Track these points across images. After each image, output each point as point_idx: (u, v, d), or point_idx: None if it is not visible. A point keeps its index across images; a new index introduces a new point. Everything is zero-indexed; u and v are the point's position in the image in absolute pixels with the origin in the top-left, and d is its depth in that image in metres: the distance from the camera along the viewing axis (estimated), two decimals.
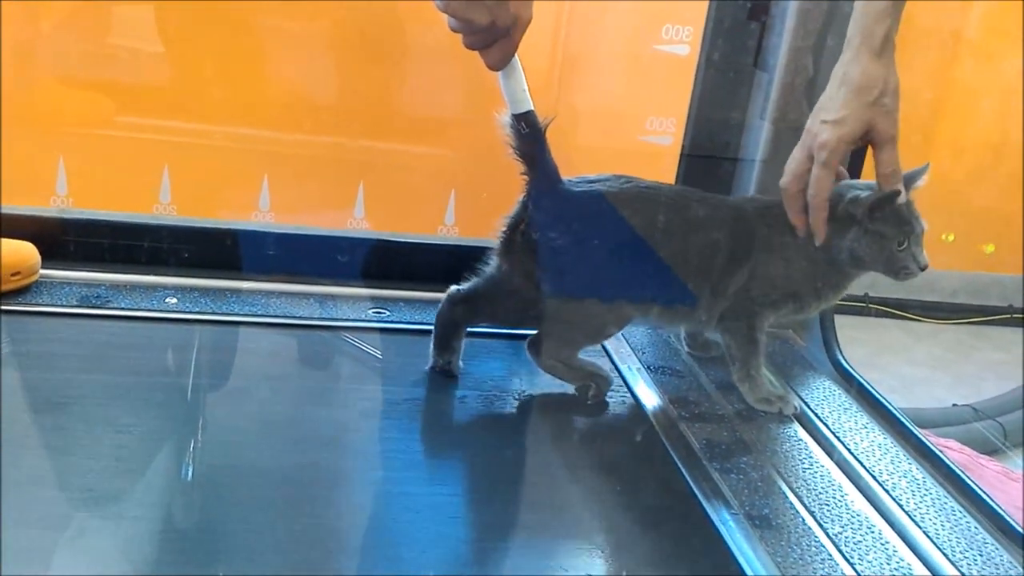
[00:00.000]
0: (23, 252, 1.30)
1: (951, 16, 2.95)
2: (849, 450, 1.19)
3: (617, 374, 1.31)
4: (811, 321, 1.44)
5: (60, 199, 1.60)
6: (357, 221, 1.68)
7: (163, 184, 1.62)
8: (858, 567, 0.98)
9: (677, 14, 1.67)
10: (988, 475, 1.77)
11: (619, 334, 1.38)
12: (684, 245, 1.20)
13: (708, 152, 1.58)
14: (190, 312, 1.31)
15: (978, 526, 1.07)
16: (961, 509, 1.10)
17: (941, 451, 1.21)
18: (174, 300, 1.33)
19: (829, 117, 1.16)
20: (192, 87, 1.68)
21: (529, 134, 1.11)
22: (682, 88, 1.58)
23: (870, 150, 1.18)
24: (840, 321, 1.47)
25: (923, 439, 1.23)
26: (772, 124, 1.50)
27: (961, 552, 1.02)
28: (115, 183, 1.64)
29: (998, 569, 1.00)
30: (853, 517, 1.06)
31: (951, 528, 1.06)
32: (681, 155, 1.58)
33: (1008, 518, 1.08)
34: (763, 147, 1.52)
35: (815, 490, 1.10)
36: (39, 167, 1.61)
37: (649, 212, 1.19)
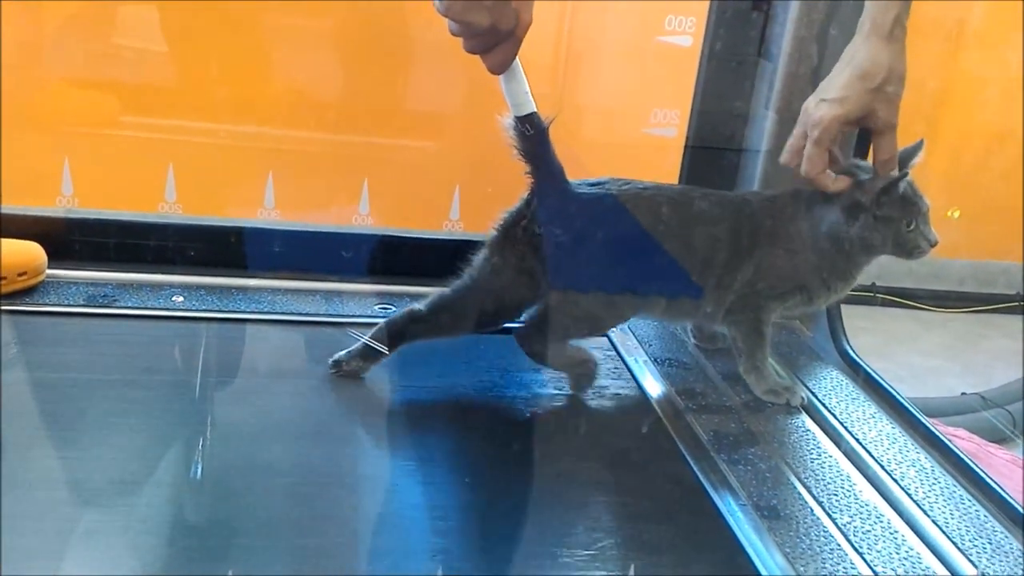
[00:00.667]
0: (30, 252, 1.30)
1: (957, 6, 2.94)
2: (857, 440, 1.19)
3: (624, 366, 1.31)
4: (817, 311, 1.44)
5: (66, 199, 1.61)
6: (362, 217, 1.69)
7: (168, 183, 1.63)
8: (867, 557, 0.97)
9: (679, 5, 1.66)
10: (997, 463, 1.76)
11: (625, 327, 1.38)
12: (688, 240, 1.20)
13: (712, 143, 1.57)
14: (197, 310, 1.31)
15: (987, 514, 1.07)
16: (970, 497, 1.10)
17: (949, 439, 1.20)
18: (181, 298, 1.33)
19: (828, 96, 1.16)
20: (196, 86, 1.68)
21: (533, 136, 1.11)
22: (686, 79, 1.57)
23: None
24: (848, 311, 1.46)
25: (931, 428, 1.23)
26: (777, 114, 1.49)
27: (970, 540, 1.02)
28: (120, 182, 1.65)
29: (1007, 557, 1.00)
30: (862, 507, 1.06)
31: (960, 517, 1.06)
32: (685, 147, 1.57)
33: (1017, 506, 1.08)
34: (768, 137, 1.51)
35: (823, 480, 1.10)
36: (44, 167, 1.61)
37: (652, 209, 1.19)
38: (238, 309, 1.33)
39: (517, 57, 1.05)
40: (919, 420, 1.25)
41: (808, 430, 1.21)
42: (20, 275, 1.28)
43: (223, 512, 0.95)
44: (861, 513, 1.05)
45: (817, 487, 1.09)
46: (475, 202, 1.70)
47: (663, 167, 1.57)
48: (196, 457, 1.01)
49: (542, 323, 1.20)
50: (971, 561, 0.99)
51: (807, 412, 1.24)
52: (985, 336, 3.29)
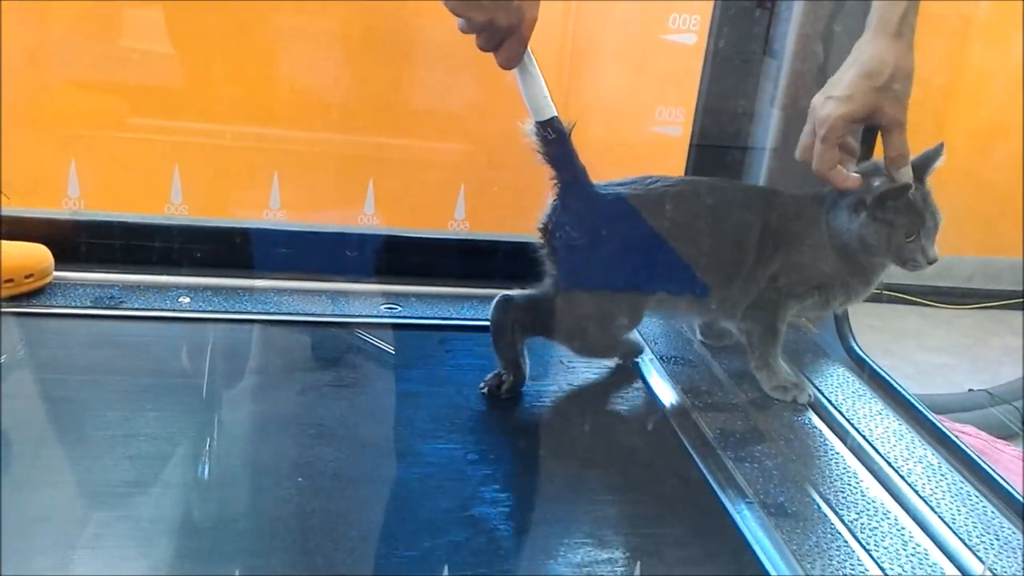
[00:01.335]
0: (37, 255, 1.31)
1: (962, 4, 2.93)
2: (864, 437, 1.19)
3: (630, 364, 1.31)
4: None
5: (72, 201, 1.61)
6: (368, 217, 1.69)
7: (174, 184, 1.63)
8: (874, 554, 0.97)
9: (684, 3, 1.66)
10: (1004, 459, 1.76)
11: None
12: (724, 231, 1.20)
13: (718, 141, 1.57)
14: (203, 311, 1.31)
15: (994, 510, 1.07)
16: (977, 494, 1.10)
17: (956, 436, 1.20)
18: (187, 299, 1.34)
19: (834, 94, 1.16)
20: (202, 88, 1.68)
21: (556, 140, 1.11)
22: (691, 77, 1.57)
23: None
24: (855, 308, 1.46)
25: (937, 424, 1.23)
26: (782, 111, 1.49)
27: (978, 537, 1.02)
28: (127, 184, 1.65)
29: (1015, 553, 1.00)
30: (868, 504, 1.06)
31: (967, 513, 1.06)
32: (691, 145, 1.57)
33: None
34: (773, 135, 1.51)
35: (830, 477, 1.10)
36: (51, 170, 1.62)
37: (684, 204, 1.19)
38: (244, 310, 1.33)
39: (535, 61, 1.06)
40: (926, 417, 1.24)
41: (815, 427, 1.21)
42: (27, 278, 1.28)
43: (230, 512, 0.95)
44: (868, 510, 1.05)
45: (824, 484, 1.09)
46: (480, 201, 1.70)
47: (668, 165, 1.58)
48: (203, 457, 1.02)
49: (533, 306, 1.20)
50: (978, 557, 0.99)
51: (814, 409, 1.24)
52: (993, 332, 3.28)
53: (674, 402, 1.24)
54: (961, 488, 1.11)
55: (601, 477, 1.09)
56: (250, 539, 0.92)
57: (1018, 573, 0.97)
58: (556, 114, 1.11)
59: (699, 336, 1.39)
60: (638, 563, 0.93)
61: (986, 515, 1.06)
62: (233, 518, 0.95)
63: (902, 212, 1.15)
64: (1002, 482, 1.11)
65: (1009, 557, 0.99)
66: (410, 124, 1.73)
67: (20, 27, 1.52)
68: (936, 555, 0.99)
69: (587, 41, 1.76)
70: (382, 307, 1.38)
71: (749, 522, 1.00)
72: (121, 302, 1.31)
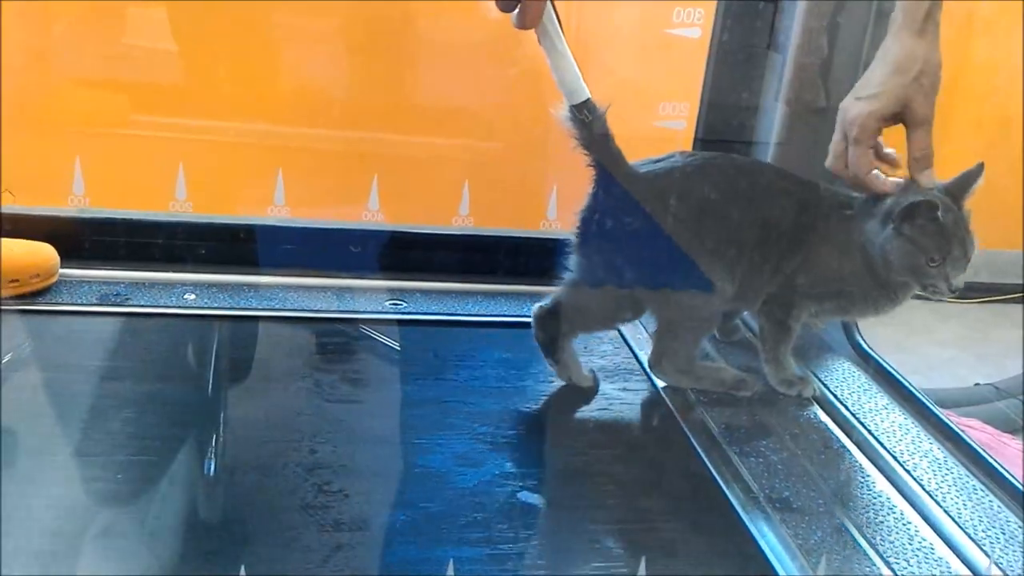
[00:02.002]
0: (43, 254, 1.31)
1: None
2: (869, 431, 1.19)
3: (635, 359, 1.31)
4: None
5: (77, 199, 1.62)
6: (372, 213, 1.69)
7: (179, 181, 1.63)
8: (880, 548, 0.97)
9: None
10: (1010, 453, 1.76)
11: (636, 321, 1.38)
12: (760, 219, 1.17)
13: (722, 136, 1.57)
14: (209, 308, 1.32)
15: (1000, 504, 1.07)
16: (983, 488, 1.10)
17: (962, 430, 1.20)
18: (192, 296, 1.34)
19: (863, 93, 1.13)
20: (206, 84, 1.68)
21: (592, 123, 1.08)
22: (695, 72, 1.57)
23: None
24: None
25: (943, 418, 1.22)
26: (787, 106, 1.49)
27: (983, 531, 1.02)
28: (131, 181, 1.66)
29: (1021, 547, 1.00)
30: (874, 498, 1.06)
31: (973, 507, 1.06)
32: (695, 140, 1.57)
33: None
34: (778, 130, 1.51)
35: (835, 472, 1.10)
36: (56, 168, 1.62)
37: (724, 183, 1.15)
38: (249, 306, 1.33)
39: (564, 40, 1.02)
40: (932, 411, 1.24)
41: (820, 422, 1.21)
42: (33, 278, 1.28)
43: (236, 509, 0.96)
44: (874, 504, 1.05)
45: (829, 479, 1.08)
46: (485, 197, 1.70)
47: None
48: (209, 454, 1.02)
49: (556, 311, 1.19)
50: (984, 551, 0.99)
51: (819, 404, 1.24)
52: (999, 326, 3.27)
53: (679, 397, 1.23)
54: (967, 482, 1.10)
55: (605, 472, 1.09)
56: (256, 536, 0.92)
57: None
58: (590, 96, 1.07)
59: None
60: (643, 558, 0.93)
61: (992, 509, 1.06)
62: (239, 514, 0.95)
63: (929, 234, 1.10)
64: (1008, 476, 1.11)
65: (1015, 551, 0.99)
66: (414, 120, 1.73)
67: (24, 25, 1.52)
68: (942, 549, 0.99)
69: (590, 35, 1.75)
70: (387, 303, 1.38)
71: (754, 516, 1.00)
72: (127, 299, 1.31)
